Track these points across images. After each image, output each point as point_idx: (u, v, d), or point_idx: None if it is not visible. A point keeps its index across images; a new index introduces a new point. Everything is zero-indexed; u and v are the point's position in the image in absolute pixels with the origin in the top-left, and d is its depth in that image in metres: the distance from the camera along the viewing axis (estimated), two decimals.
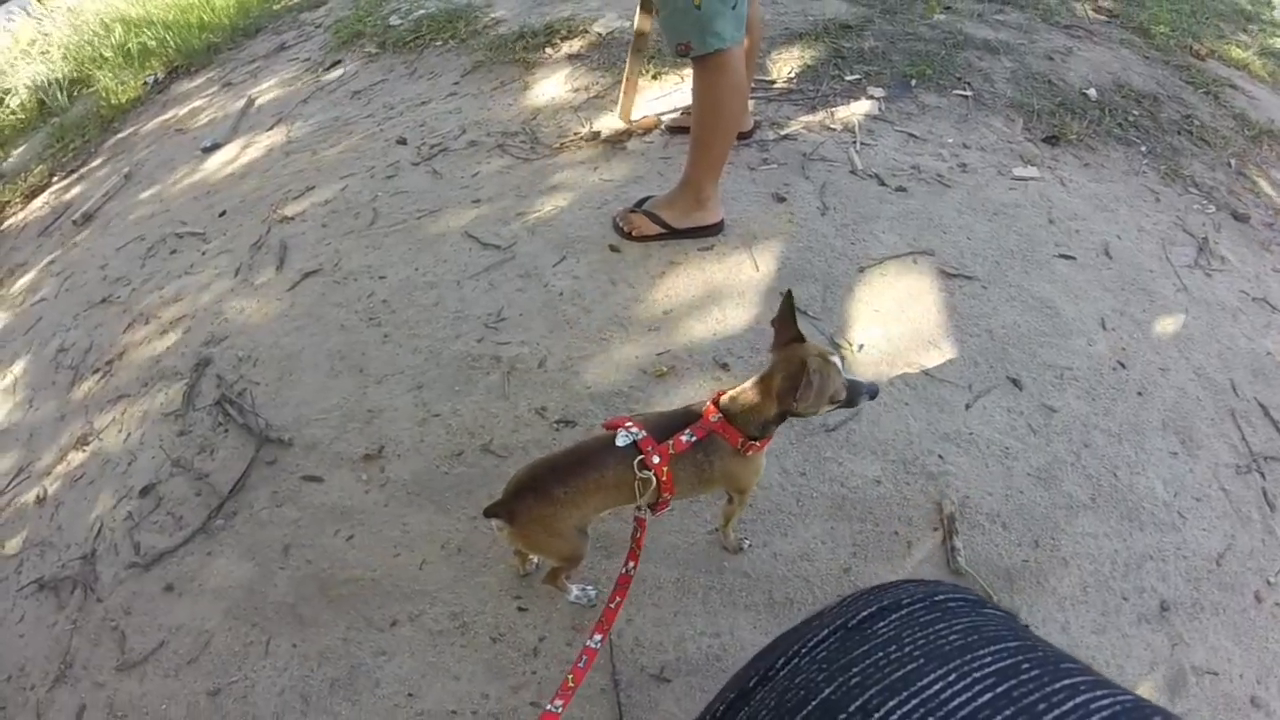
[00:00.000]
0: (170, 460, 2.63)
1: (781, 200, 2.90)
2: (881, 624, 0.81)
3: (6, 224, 5.66)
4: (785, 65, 3.72)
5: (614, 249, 2.79)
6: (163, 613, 2.18)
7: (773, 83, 3.62)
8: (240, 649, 2.03)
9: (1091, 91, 3.62)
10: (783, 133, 3.27)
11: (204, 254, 3.65)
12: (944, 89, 3.55)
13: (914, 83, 3.55)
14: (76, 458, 2.85)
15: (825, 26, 3.95)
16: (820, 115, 3.37)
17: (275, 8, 7.10)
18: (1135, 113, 3.54)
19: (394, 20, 5.11)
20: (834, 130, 3.27)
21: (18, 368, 3.60)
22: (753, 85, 3.40)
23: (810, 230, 2.77)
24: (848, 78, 3.57)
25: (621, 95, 3.36)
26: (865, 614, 0.83)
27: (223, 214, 3.91)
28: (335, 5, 6.36)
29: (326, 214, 3.48)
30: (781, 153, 3.16)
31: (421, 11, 5.08)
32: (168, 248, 3.85)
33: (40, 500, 2.77)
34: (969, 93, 3.53)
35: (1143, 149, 3.35)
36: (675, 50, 2.41)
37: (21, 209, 5.75)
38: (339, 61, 5.01)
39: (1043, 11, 4.31)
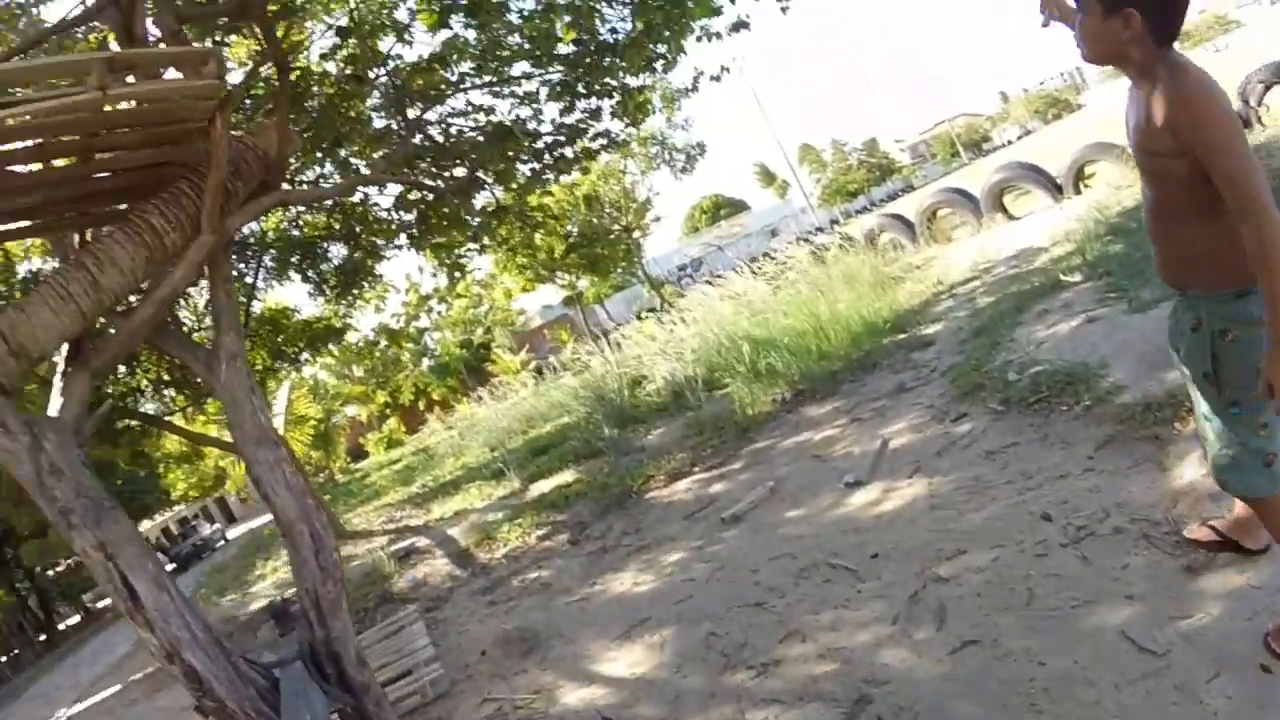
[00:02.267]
0: None
1: None
2: None
3: (650, 494, 7.23)
4: None
5: (1265, 669, 2.90)
6: None
7: None
8: None
9: None
10: None
11: (859, 592, 4.38)
12: None
13: None
14: None
15: None
16: None
17: (884, 341, 8.19)
18: None
19: (1011, 375, 5.77)
20: None
21: (666, 633, 4.67)
22: None
23: None
24: None
25: None
26: None
27: (874, 556, 4.64)
28: (942, 347, 7.23)
29: (981, 583, 4.01)
30: None
31: (1037, 368, 5.65)
32: (820, 575, 4.67)
33: None
34: None
35: None
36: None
37: (665, 487, 7.27)
38: (965, 415, 5.77)
39: None
